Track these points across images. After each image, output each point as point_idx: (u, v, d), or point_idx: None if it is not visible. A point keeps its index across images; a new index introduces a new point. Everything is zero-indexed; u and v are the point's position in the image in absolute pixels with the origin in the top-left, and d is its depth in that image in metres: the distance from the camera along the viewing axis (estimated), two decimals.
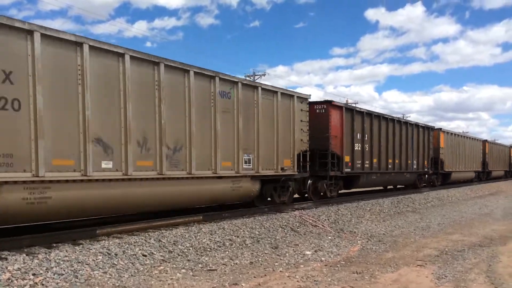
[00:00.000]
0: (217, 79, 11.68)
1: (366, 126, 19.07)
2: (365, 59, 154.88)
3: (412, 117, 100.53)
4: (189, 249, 9.18)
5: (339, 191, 18.44)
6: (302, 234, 11.99)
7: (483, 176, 40.48)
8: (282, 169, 14.06)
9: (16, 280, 6.47)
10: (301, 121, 14.89)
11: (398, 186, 26.31)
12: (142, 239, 9.07)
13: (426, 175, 27.21)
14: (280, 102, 13.93)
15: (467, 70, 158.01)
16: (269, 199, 14.55)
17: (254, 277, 7.57)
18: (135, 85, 9.62)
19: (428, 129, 26.38)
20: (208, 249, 9.47)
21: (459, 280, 7.61)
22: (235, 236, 10.60)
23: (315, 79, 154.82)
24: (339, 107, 17.38)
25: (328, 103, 16.83)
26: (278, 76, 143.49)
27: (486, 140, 41.27)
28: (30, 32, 7.87)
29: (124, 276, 7.28)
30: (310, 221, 13.21)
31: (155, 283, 7.02)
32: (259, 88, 13.17)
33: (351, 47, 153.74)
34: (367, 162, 19.14)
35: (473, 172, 36.65)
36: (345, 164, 17.47)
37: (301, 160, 14.90)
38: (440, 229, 13.49)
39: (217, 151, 11.71)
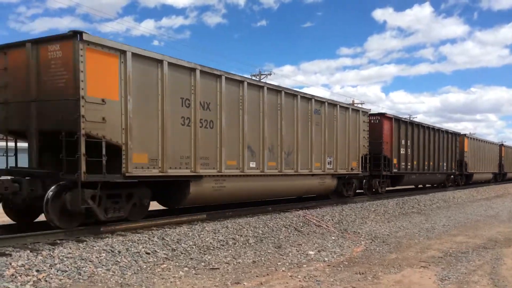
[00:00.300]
0: (313, 100, 15.46)
1: (409, 133, 22.78)
2: (372, 60, 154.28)
3: (419, 118, 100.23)
4: (192, 248, 9.21)
5: (387, 188, 21.93)
6: (305, 234, 11.99)
7: (499, 177, 43.60)
8: (351, 169, 17.73)
9: (20, 276, 6.51)
10: (363, 130, 18.61)
11: (427, 185, 29.65)
12: (145, 237, 9.10)
13: (452, 176, 30.47)
14: (350, 116, 17.61)
15: (475, 71, 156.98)
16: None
17: (257, 276, 7.58)
18: (268, 109, 13.44)
19: (455, 135, 30.06)
20: (211, 248, 9.49)
21: (462, 282, 7.57)
22: (238, 235, 10.62)
23: (322, 79, 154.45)
24: (389, 118, 21.23)
25: (382, 115, 21.13)
26: (285, 76, 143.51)
27: (502, 144, 44.96)
28: (219, 76, 11.72)
29: (127, 274, 7.31)
30: (314, 221, 13.21)
31: (158, 281, 7.05)
32: (338, 106, 16.90)
33: (358, 47, 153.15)
34: (409, 164, 22.87)
35: (491, 174, 39.99)
36: (393, 165, 21.24)
37: (362, 162, 18.46)
38: (444, 231, 13.44)
39: (312, 155, 15.42)
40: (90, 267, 7.24)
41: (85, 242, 8.30)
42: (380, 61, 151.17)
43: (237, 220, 11.71)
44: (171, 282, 7.02)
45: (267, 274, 7.70)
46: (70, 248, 7.81)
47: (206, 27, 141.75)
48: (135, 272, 7.47)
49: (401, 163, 21.94)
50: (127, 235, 9.16)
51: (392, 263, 8.79)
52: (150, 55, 9.90)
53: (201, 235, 9.95)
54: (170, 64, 10.31)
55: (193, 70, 10.94)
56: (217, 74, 11.63)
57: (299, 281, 7.30)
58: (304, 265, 8.45)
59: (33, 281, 6.47)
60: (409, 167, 22.78)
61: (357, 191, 19.75)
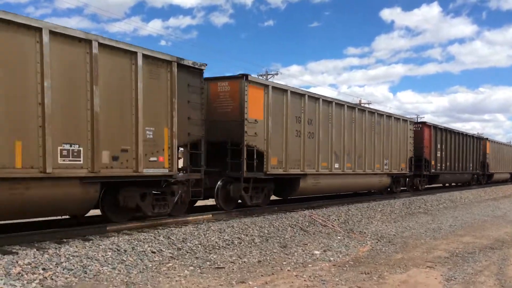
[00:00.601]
0: (376, 114, 19.16)
1: (443, 138, 26.30)
2: (379, 59, 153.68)
3: (427, 118, 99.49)
4: (198, 247, 9.22)
5: (425, 186, 25.56)
6: (311, 233, 11.97)
7: None
8: (401, 169, 21.35)
9: (26, 274, 6.56)
10: (410, 137, 22.22)
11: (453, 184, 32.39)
12: (151, 236, 9.12)
13: (476, 175, 33.73)
14: (401, 125, 21.35)
15: (483, 71, 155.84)
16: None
17: (262, 275, 7.57)
18: (347, 122, 17.00)
19: (479, 139, 34.08)
20: (217, 247, 9.50)
21: (469, 282, 7.53)
22: (244, 234, 10.62)
23: (329, 79, 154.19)
24: (429, 125, 24.89)
25: (423, 123, 24.83)
26: (292, 76, 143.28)
27: None
28: (318, 99, 15.40)
29: (132, 272, 7.34)
30: (320, 221, 13.18)
31: (163, 279, 7.06)
32: (393, 117, 20.61)
33: (366, 47, 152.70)
34: (443, 165, 26.37)
35: (508, 174, 43.45)
36: (431, 166, 24.70)
37: (409, 163, 22.10)
38: (451, 231, 13.37)
39: (375, 158, 18.95)
40: (95, 266, 7.28)
41: (91, 241, 8.34)
42: (387, 61, 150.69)
43: (242, 220, 11.71)
44: (176, 281, 7.03)
45: (272, 274, 7.70)
46: (76, 246, 7.84)
47: (213, 27, 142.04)
48: (140, 271, 7.49)
49: (437, 164, 25.46)
50: (133, 234, 9.20)
51: (398, 263, 8.76)
52: (281, 87, 13.94)
53: (207, 235, 9.97)
54: (291, 92, 14.12)
55: (303, 95, 14.71)
56: (316, 97, 15.39)
57: (304, 280, 7.29)
58: (309, 265, 8.44)
59: (39, 279, 6.51)
60: (443, 167, 26.38)
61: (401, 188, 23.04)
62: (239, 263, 8.37)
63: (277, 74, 49.59)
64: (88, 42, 8.66)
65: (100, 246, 8.04)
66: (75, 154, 8.46)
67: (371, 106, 31.81)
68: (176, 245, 8.99)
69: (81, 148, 8.59)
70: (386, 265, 8.56)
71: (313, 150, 15.06)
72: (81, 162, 8.58)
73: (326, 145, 15.79)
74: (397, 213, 17.17)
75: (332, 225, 13.09)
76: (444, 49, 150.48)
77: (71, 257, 7.34)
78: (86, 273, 6.98)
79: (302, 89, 15.02)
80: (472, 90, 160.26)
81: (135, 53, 9.46)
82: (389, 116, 20.35)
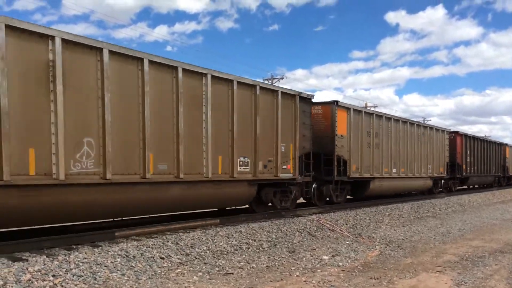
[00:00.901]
0: (421, 126, 23.11)
1: (471, 145, 29.66)
2: (385, 62, 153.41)
3: (433, 121, 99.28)
4: (206, 252, 9.23)
5: (457, 187, 29.17)
6: (319, 238, 11.94)
7: None
8: (440, 173, 25.19)
9: (36, 281, 6.59)
10: (446, 144, 26.05)
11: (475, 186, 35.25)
12: (160, 241, 9.14)
13: (497, 178, 37.11)
14: (440, 135, 25.17)
15: (490, 73, 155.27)
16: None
17: (271, 281, 7.56)
18: (402, 134, 20.55)
19: (500, 144, 37.38)
20: (225, 253, 9.50)
21: (479, 287, 7.47)
22: (252, 239, 10.61)
23: (334, 83, 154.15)
24: (460, 134, 28.39)
25: (456, 132, 28.13)
26: (297, 80, 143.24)
27: None
28: (381, 116, 19.20)
29: (141, 279, 7.35)
30: (328, 226, 13.15)
31: (172, 285, 7.07)
32: (434, 129, 24.65)
33: (371, 50, 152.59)
34: (472, 168, 29.77)
35: None
36: (463, 170, 28.27)
37: (445, 168, 25.94)
38: (460, 235, 13.28)
39: (421, 164, 22.57)
40: (105, 272, 7.30)
41: (100, 247, 8.37)
42: (393, 63, 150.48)
43: (250, 225, 11.70)
44: (185, 287, 7.03)
45: (281, 279, 7.68)
46: (85, 253, 7.87)
47: (218, 32, 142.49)
48: (149, 277, 7.50)
49: (467, 168, 28.87)
50: (141, 239, 9.22)
51: (407, 268, 8.71)
52: (358, 108, 17.59)
53: (215, 240, 9.97)
54: (365, 112, 17.88)
55: (371, 114, 18.37)
56: (380, 115, 19.14)
57: (313, 286, 7.26)
58: (318, 270, 8.41)
59: (49, 286, 6.53)
60: (472, 171, 29.78)
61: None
62: (247, 269, 8.37)
63: (282, 78, 49.66)
64: (231, 82, 11.69)
65: (109, 252, 8.06)
66: (246, 164, 12.09)
67: (378, 110, 34.41)
68: (184, 251, 9.00)
69: (249, 160, 12.21)
70: (396, 270, 8.52)
71: (378, 158, 18.54)
72: (248, 169, 12.21)
73: (387, 154, 19.27)
74: (405, 217, 17.08)
75: (340, 230, 13.05)
76: (449, 52, 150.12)
77: (80, 264, 7.37)
78: (95, 280, 7.00)
79: (371, 109, 20.14)
80: (478, 92, 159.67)
81: (277, 91, 13.24)
82: (431, 127, 24.48)
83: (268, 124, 12.86)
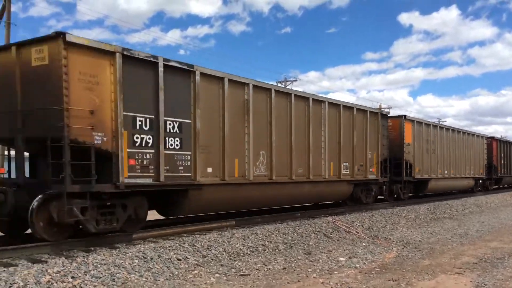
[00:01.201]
0: (466, 133, 26.57)
1: (504, 148, 33.05)
2: (398, 64, 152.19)
3: (449, 122, 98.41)
4: (223, 254, 9.24)
5: (493, 187, 32.28)
6: (335, 240, 11.89)
7: None
8: (480, 173, 28.65)
9: (56, 282, 6.65)
10: (484, 148, 29.46)
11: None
12: (176, 243, 9.17)
13: None
14: (479, 140, 28.71)
15: (505, 73, 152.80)
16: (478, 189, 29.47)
17: (288, 282, 7.54)
18: (451, 141, 24.28)
19: None
20: (241, 254, 9.50)
21: None
22: (268, 241, 10.60)
23: (347, 84, 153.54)
24: (496, 139, 31.86)
25: (492, 138, 31.67)
26: (310, 82, 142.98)
27: None
28: (436, 126, 23.30)
29: (159, 280, 7.39)
30: (344, 227, 13.08)
31: (190, 287, 7.09)
32: (475, 135, 28.13)
33: (384, 51, 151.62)
34: (504, 170, 32.90)
35: None
36: (498, 171, 31.60)
37: (484, 169, 29.19)
38: (478, 236, 13.12)
39: (466, 166, 26.07)
40: (123, 274, 7.34)
41: (118, 249, 8.42)
42: (406, 65, 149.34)
43: (266, 227, 11.69)
44: None
45: (298, 281, 7.66)
46: (103, 254, 7.93)
47: (230, 36, 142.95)
48: (167, 278, 7.54)
49: (501, 169, 32.23)
50: (158, 241, 9.26)
51: (426, 270, 8.62)
52: (420, 120, 21.41)
53: (231, 242, 9.98)
54: (425, 123, 21.57)
55: (429, 124, 22.02)
56: (435, 124, 22.91)
57: (331, 287, 7.23)
58: (335, 272, 8.37)
59: (69, 287, 6.60)
60: (504, 172, 33.05)
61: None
62: (264, 270, 8.36)
63: (295, 80, 49.62)
64: (338, 106, 15.40)
65: (127, 254, 8.11)
66: (346, 168, 15.58)
67: (391, 111, 36.14)
68: (201, 252, 9.02)
69: (348, 165, 15.65)
70: (414, 272, 8.44)
71: (434, 161, 22.10)
72: (348, 172, 15.69)
73: (441, 158, 22.79)
74: (422, 218, 16.92)
75: (356, 231, 12.97)
76: (464, 52, 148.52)
77: (99, 265, 7.42)
78: (114, 281, 7.05)
79: (429, 120, 24.37)
80: (493, 92, 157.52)
81: (366, 111, 16.75)
82: (472, 134, 27.66)
83: (360, 137, 16.34)
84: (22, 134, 8.59)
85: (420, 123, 20.96)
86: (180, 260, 8.42)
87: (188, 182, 10.17)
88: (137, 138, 9.05)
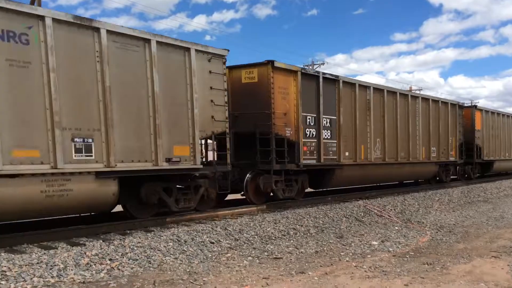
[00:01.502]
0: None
1: None
2: (428, 44, 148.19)
3: (481, 103, 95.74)
4: (254, 238, 9.31)
5: None
6: (367, 224, 11.81)
7: None
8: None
9: (94, 264, 6.85)
10: None
11: None
12: (209, 227, 9.30)
13: None
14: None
15: None
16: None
17: (321, 266, 7.55)
18: (506, 126, 26.52)
19: None
20: (273, 238, 9.56)
21: None
22: (299, 225, 10.62)
23: (376, 66, 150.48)
24: None
25: None
26: (338, 65, 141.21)
27: None
28: (499, 114, 25.79)
29: (194, 262, 7.51)
30: (375, 211, 12.97)
31: (224, 269, 7.19)
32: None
33: (414, 32, 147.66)
34: None
35: None
36: None
37: None
38: None
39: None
40: (159, 256, 7.50)
41: (152, 232, 8.60)
42: (437, 45, 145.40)
43: (296, 211, 11.70)
44: (236, 271, 7.13)
45: (331, 264, 7.66)
46: (139, 237, 8.11)
47: (256, 20, 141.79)
48: (201, 260, 7.66)
49: None
50: (191, 225, 9.41)
51: (461, 253, 8.48)
52: (488, 109, 24.09)
53: (262, 225, 10.04)
54: (490, 111, 24.16)
55: (494, 112, 24.67)
56: (498, 112, 25.25)
57: (365, 271, 7.20)
58: (368, 256, 8.33)
59: (107, 269, 6.79)
60: None
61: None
62: (296, 254, 8.39)
63: (323, 63, 48.99)
64: (428, 100, 18.85)
65: (162, 237, 8.27)
66: (433, 151, 18.79)
67: (422, 93, 35.08)
68: (233, 236, 9.12)
69: (435, 149, 18.89)
70: (449, 256, 8.32)
71: (498, 145, 24.86)
72: (435, 155, 18.99)
73: (503, 141, 25.66)
74: (456, 202, 16.62)
75: (389, 215, 12.85)
76: (496, 31, 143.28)
77: (135, 248, 7.60)
78: (150, 263, 7.21)
79: (494, 109, 25.86)
80: None
81: (447, 103, 20.03)
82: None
83: (444, 125, 19.43)
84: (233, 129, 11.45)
85: (487, 111, 24.00)
86: (213, 243, 8.54)
87: (335, 163, 13.72)
88: (307, 131, 12.68)
